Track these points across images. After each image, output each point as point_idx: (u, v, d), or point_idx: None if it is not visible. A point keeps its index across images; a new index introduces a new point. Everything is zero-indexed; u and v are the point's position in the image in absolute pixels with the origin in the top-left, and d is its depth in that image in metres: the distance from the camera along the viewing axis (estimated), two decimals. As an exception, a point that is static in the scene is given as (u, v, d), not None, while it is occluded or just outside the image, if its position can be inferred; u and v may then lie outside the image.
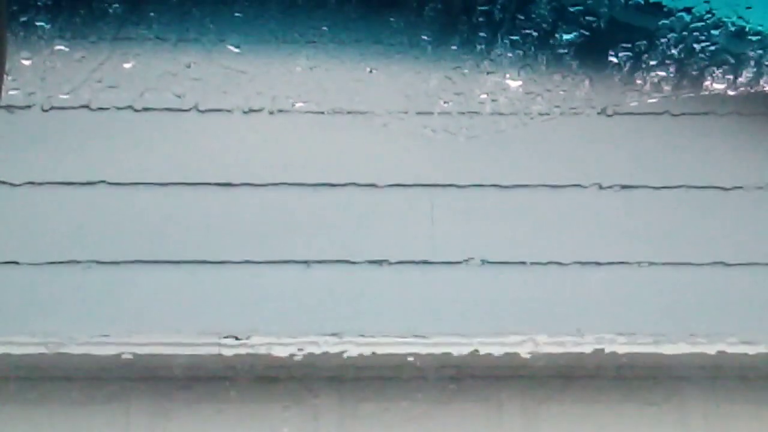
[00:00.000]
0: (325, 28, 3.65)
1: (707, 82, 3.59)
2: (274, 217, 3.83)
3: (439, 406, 3.80)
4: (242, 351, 3.65)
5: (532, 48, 3.51)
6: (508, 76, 3.62)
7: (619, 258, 3.86)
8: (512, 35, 3.47)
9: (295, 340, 3.68)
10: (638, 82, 3.62)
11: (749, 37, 3.45)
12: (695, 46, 3.43)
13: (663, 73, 3.55)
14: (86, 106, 3.75)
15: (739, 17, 3.32)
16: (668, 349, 3.75)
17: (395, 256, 3.82)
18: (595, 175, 3.93)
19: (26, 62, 3.48)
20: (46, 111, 3.66)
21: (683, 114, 3.96)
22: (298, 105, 3.81)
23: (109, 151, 3.83)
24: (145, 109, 3.79)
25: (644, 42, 3.46)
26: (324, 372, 3.75)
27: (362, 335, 3.70)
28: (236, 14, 3.59)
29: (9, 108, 3.61)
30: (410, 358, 3.71)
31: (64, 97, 3.62)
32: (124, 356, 3.62)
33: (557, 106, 3.75)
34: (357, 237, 3.84)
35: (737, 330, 3.77)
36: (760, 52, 3.47)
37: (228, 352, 3.64)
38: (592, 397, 3.82)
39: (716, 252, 3.88)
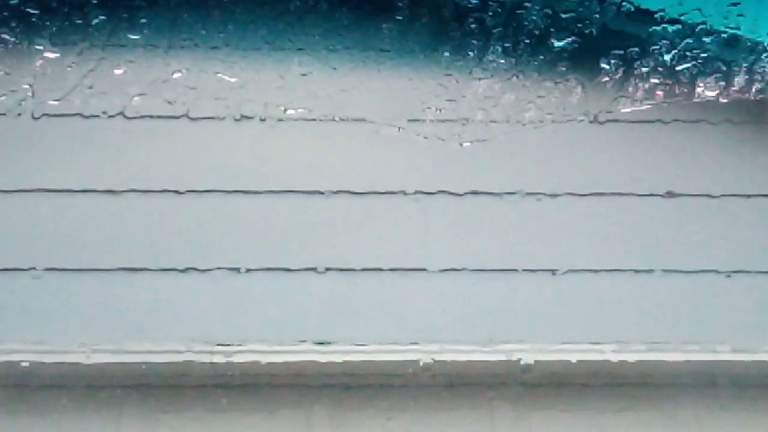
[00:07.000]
0: (317, 35, 3.66)
1: (699, 90, 3.59)
2: (266, 225, 3.82)
3: (432, 413, 3.80)
4: (233, 359, 3.64)
5: (524, 55, 3.51)
6: (500, 83, 3.62)
7: (611, 266, 3.85)
8: (504, 42, 3.47)
9: (286, 348, 3.67)
10: (630, 89, 3.62)
11: (741, 45, 3.46)
12: (687, 53, 3.43)
13: (655, 81, 3.56)
14: (77, 113, 3.74)
15: (731, 26, 3.32)
16: (661, 357, 3.74)
17: (388, 264, 3.82)
18: (587, 182, 3.92)
19: (17, 69, 3.48)
20: (37, 118, 3.66)
21: (675, 121, 3.96)
22: (290, 112, 3.80)
23: (100, 158, 3.82)
24: (136, 116, 3.78)
25: (636, 49, 3.47)
26: (316, 380, 3.74)
27: (355, 343, 3.70)
28: (228, 21, 3.60)
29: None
30: (403, 366, 3.70)
31: (55, 103, 3.62)
32: (115, 364, 3.61)
33: (549, 114, 3.75)
34: (349, 244, 3.83)
35: (730, 338, 3.76)
36: (752, 59, 3.47)
37: (219, 360, 3.64)
38: (585, 405, 3.82)
39: (709, 260, 3.88)
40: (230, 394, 3.72)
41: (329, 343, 3.68)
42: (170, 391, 3.71)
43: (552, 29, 3.44)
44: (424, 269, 3.82)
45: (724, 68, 3.51)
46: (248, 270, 3.76)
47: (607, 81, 3.60)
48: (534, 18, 3.43)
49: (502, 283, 3.82)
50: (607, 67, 3.54)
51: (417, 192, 3.87)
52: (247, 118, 3.83)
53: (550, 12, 3.42)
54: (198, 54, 3.67)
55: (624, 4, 3.50)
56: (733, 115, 3.96)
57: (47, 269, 3.71)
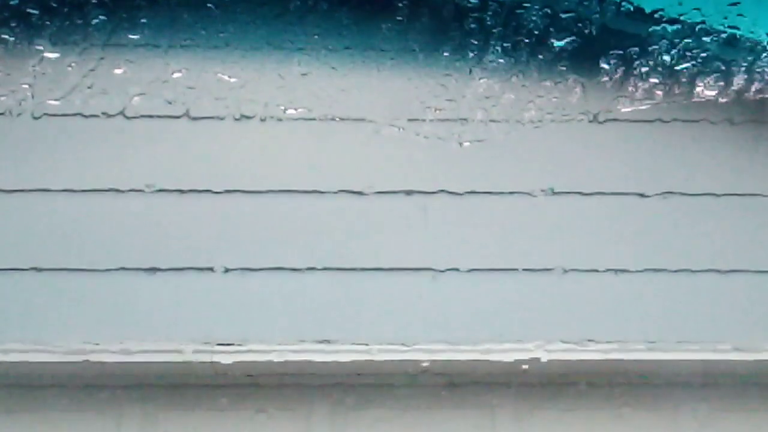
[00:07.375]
0: (316, 35, 3.66)
1: (699, 89, 3.59)
2: (267, 224, 3.82)
3: (432, 413, 3.80)
4: (234, 358, 3.64)
5: (524, 55, 3.51)
6: (500, 83, 3.62)
7: (611, 265, 3.85)
8: (504, 42, 3.47)
9: (287, 348, 3.67)
10: (630, 89, 3.62)
11: (741, 45, 3.46)
12: (687, 53, 3.43)
13: (655, 81, 3.55)
14: (77, 113, 3.74)
15: (731, 26, 3.32)
16: (661, 356, 3.74)
17: (388, 263, 3.82)
18: (587, 182, 3.92)
19: (17, 69, 3.48)
20: (37, 118, 3.66)
21: (675, 121, 3.96)
22: (290, 112, 3.80)
23: (100, 158, 3.82)
24: (136, 116, 3.78)
25: (636, 49, 3.46)
26: (316, 379, 3.74)
27: (355, 342, 3.70)
28: (228, 21, 3.60)
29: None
30: (403, 366, 3.70)
31: (55, 103, 3.62)
32: (115, 364, 3.61)
33: (549, 113, 3.75)
34: (350, 244, 3.83)
35: (729, 337, 3.76)
36: (752, 59, 3.47)
37: (220, 359, 3.64)
38: (585, 405, 3.82)
39: (709, 259, 3.88)
40: (230, 394, 3.72)
41: (329, 342, 3.69)
42: (170, 391, 3.72)
43: (552, 29, 3.44)
44: (424, 269, 3.82)
45: (724, 68, 3.50)
46: (248, 270, 3.76)
47: (607, 81, 3.60)
48: (534, 18, 3.43)
49: (502, 282, 3.82)
50: (607, 67, 3.54)
51: (417, 192, 3.88)
52: (247, 118, 3.83)
53: (550, 12, 3.42)
54: (198, 54, 3.67)
55: (624, 3, 3.50)
56: (733, 115, 3.96)
57: (47, 269, 3.72)
